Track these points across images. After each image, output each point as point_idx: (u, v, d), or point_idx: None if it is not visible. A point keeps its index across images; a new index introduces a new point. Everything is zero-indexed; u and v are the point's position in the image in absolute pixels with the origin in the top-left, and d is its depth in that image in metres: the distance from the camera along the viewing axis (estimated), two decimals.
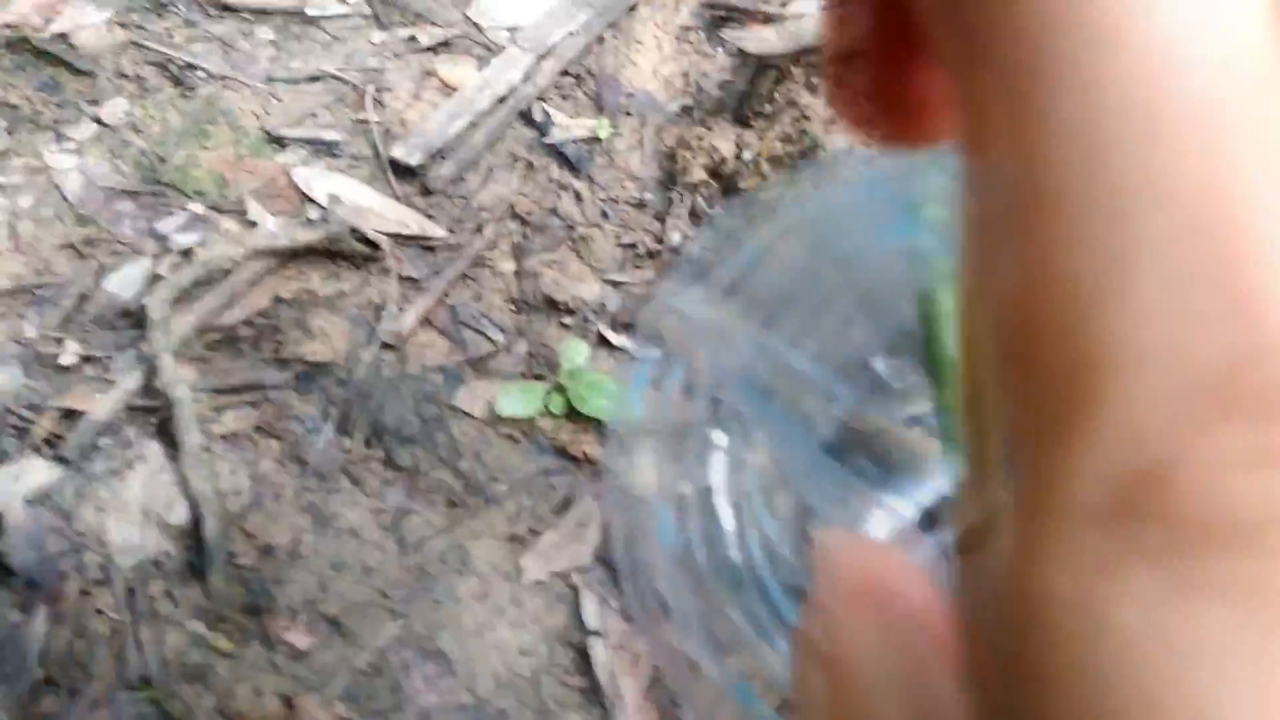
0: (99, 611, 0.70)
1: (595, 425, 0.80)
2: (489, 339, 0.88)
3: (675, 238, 0.91)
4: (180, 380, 0.77)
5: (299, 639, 0.70)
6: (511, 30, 1.13)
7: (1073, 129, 0.09)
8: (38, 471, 0.77)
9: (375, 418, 0.81)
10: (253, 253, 0.86)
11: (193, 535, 0.74)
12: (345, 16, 1.14)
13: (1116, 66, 0.09)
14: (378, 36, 1.12)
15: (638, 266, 0.91)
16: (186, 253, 0.90)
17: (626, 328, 0.86)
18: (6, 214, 0.93)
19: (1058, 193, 0.09)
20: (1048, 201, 0.10)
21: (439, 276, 0.90)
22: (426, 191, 0.97)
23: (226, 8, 1.13)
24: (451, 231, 0.94)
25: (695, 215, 0.92)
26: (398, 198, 0.96)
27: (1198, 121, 0.09)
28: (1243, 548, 0.09)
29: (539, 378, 0.84)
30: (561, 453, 0.81)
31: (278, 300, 0.88)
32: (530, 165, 1.01)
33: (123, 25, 1.10)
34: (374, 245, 0.91)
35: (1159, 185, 0.09)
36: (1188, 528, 0.09)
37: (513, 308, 0.90)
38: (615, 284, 0.89)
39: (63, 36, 1.08)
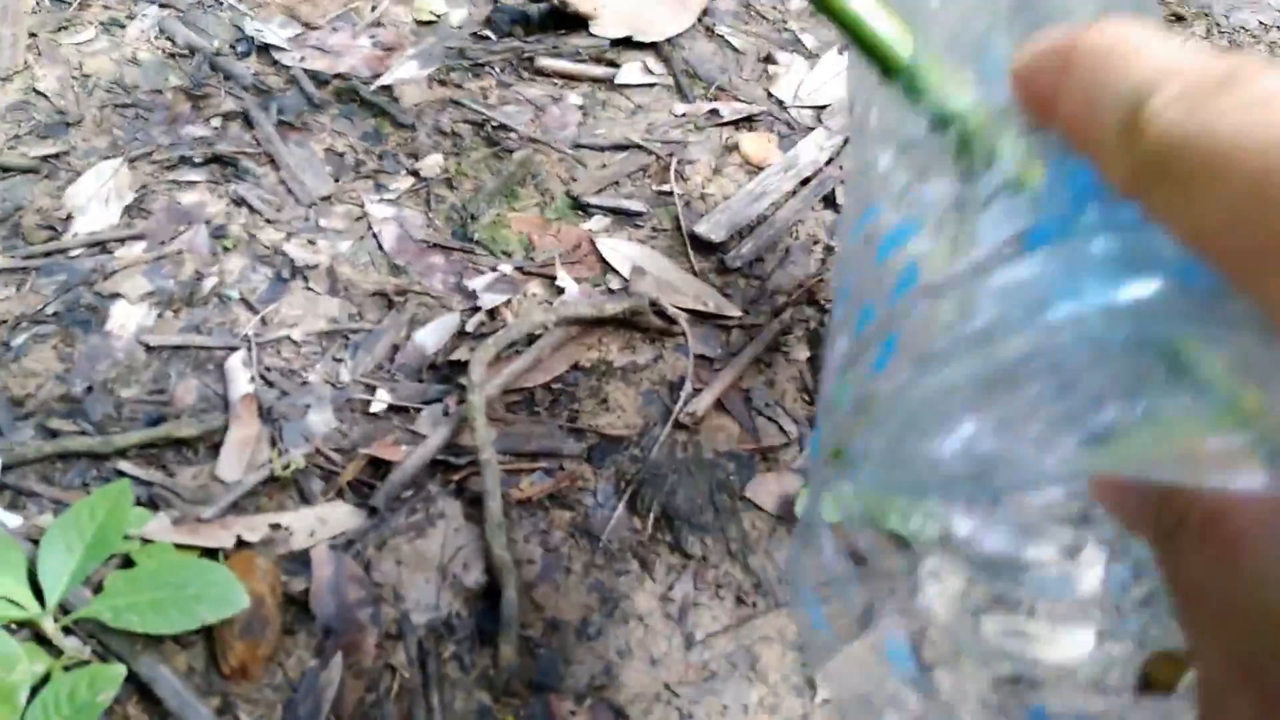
0: (390, 668, 0.71)
1: (898, 539, 0.76)
2: (781, 429, 0.85)
3: None
4: (490, 442, 0.78)
5: None
6: (817, 110, 1.11)
7: None
8: (343, 516, 0.78)
9: (667, 500, 0.79)
10: (560, 319, 0.87)
11: (485, 600, 0.74)
12: (650, 86, 1.15)
13: None
14: (680, 108, 1.13)
15: None
16: (493, 312, 0.91)
17: None
18: (328, 257, 0.97)
19: None
20: None
21: (735, 358, 0.88)
22: (724, 269, 0.96)
23: (539, 72, 1.16)
24: (746, 312, 0.92)
25: None
26: (696, 273, 0.95)
27: None
28: None
29: (838, 478, 0.81)
30: (859, 559, 0.76)
31: (576, 368, 0.88)
32: (830, 250, 0.98)
33: (442, 83, 1.14)
34: (671, 320, 0.90)
35: None
36: None
37: (805, 398, 0.87)
38: None
39: (387, 89, 1.13)
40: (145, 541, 0.75)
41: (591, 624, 0.73)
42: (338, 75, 1.15)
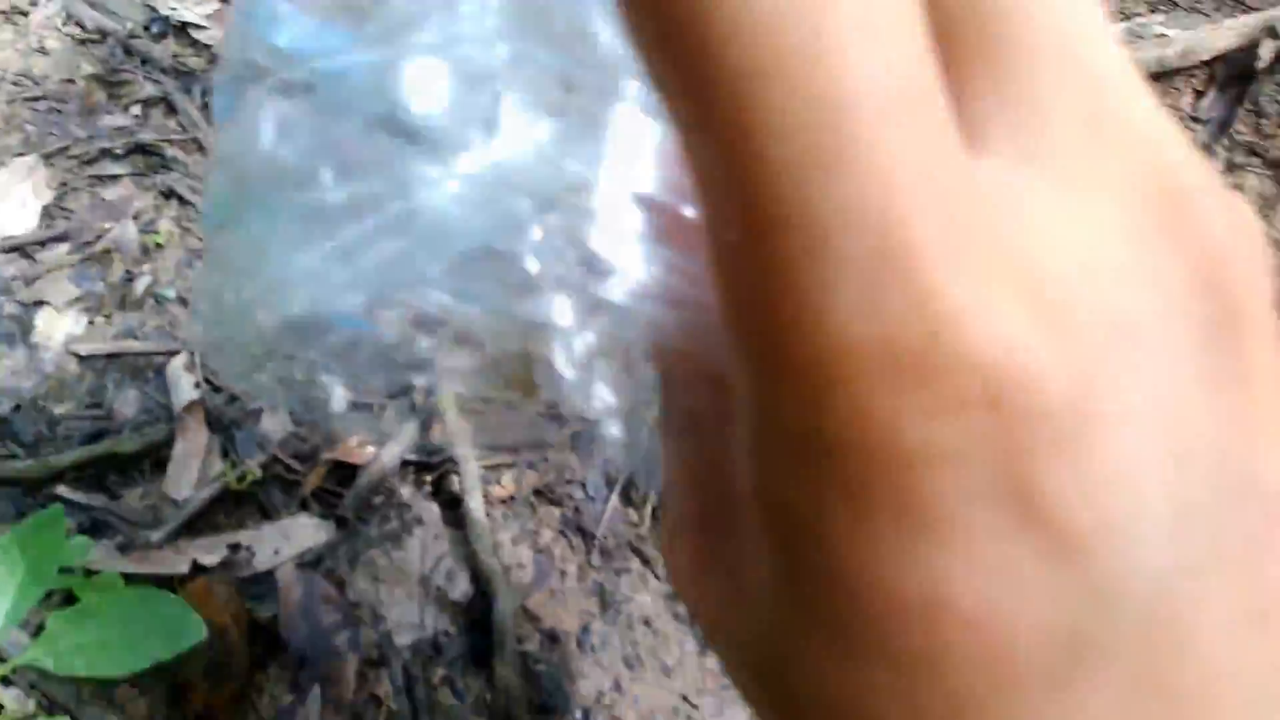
0: (375, 698, 0.64)
1: None
2: None
3: None
4: (465, 436, 0.70)
5: None
6: None
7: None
8: (308, 530, 0.71)
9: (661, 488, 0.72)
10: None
11: (474, 614, 0.67)
12: None
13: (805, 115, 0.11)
14: None
15: None
16: None
17: None
18: None
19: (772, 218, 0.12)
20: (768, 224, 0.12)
21: None
22: None
23: None
24: None
25: None
26: None
27: (870, 154, 0.12)
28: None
29: None
30: None
31: None
32: None
33: None
34: None
35: (849, 216, 0.12)
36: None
37: None
38: None
39: None
40: (90, 573, 0.67)
41: (594, 632, 0.67)
42: None
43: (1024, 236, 0.13)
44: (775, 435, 0.14)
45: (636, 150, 0.18)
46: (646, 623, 0.67)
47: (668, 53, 0.12)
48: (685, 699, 0.64)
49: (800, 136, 0.12)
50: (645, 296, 0.18)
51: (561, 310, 0.19)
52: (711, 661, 0.65)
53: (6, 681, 0.63)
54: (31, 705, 0.63)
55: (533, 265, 0.18)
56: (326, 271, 0.19)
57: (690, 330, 0.18)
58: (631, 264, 0.18)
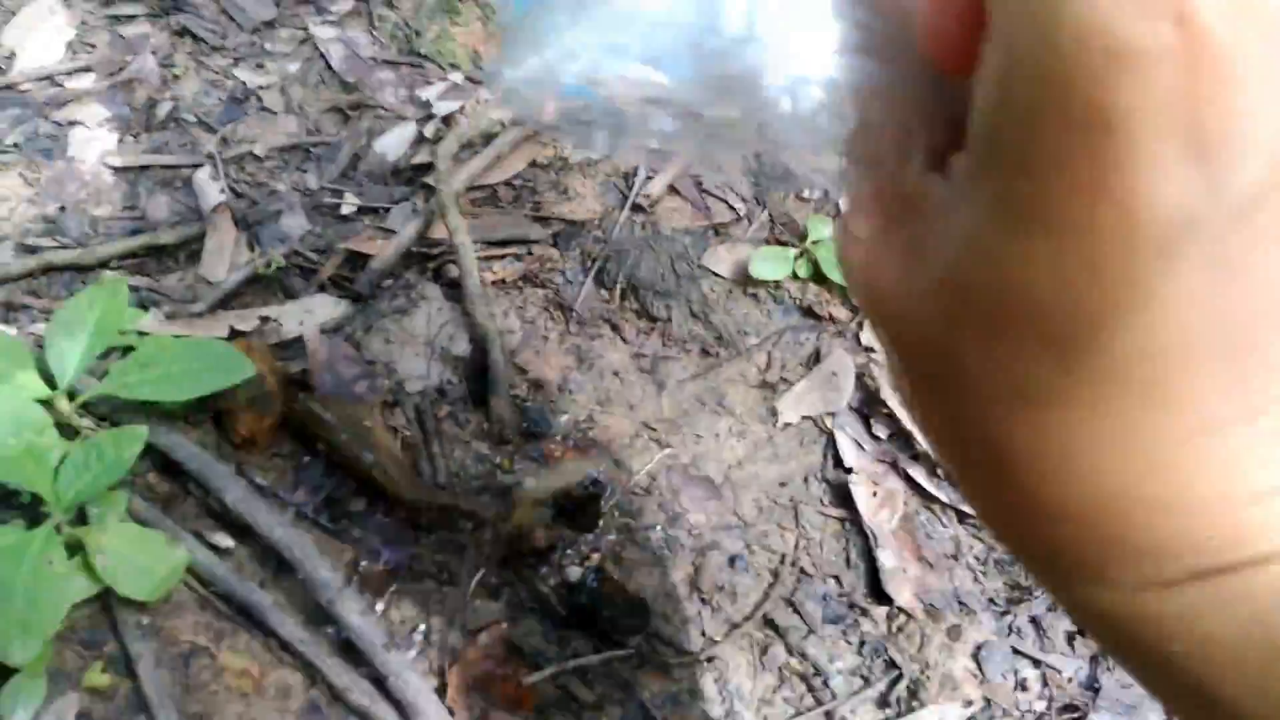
0: (392, 429, 0.77)
1: (842, 291, 0.84)
2: (730, 206, 0.92)
3: None
4: (463, 228, 0.83)
5: (573, 461, 0.76)
6: None
7: None
8: (328, 306, 0.83)
9: (631, 273, 0.85)
10: (512, 120, 0.91)
11: (472, 366, 0.80)
12: None
13: None
14: None
15: None
16: (448, 119, 0.95)
17: None
18: (278, 77, 0.99)
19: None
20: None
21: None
22: None
23: None
24: None
25: None
26: None
27: None
28: None
29: (783, 244, 0.88)
30: (808, 312, 0.84)
31: (534, 165, 0.93)
32: None
33: None
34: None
35: None
36: None
37: (752, 179, 0.94)
38: None
39: None
40: (142, 335, 0.79)
41: (572, 381, 0.80)
42: None
43: None
44: (1014, 96, 0.18)
45: None
46: (615, 374, 0.81)
47: None
48: (646, 425, 0.78)
49: None
50: (846, 50, 0.22)
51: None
52: (667, 399, 0.79)
53: (83, 411, 0.75)
54: (101, 434, 0.75)
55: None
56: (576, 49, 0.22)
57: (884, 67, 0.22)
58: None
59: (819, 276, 0.85)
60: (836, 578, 0.71)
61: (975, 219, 0.20)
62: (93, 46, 1.02)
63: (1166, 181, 0.17)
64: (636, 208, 0.90)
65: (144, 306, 0.83)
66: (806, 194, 0.92)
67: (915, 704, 0.68)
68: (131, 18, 1.05)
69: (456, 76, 0.99)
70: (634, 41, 0.22)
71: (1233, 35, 0.16)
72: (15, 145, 0.93)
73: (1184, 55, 0.16)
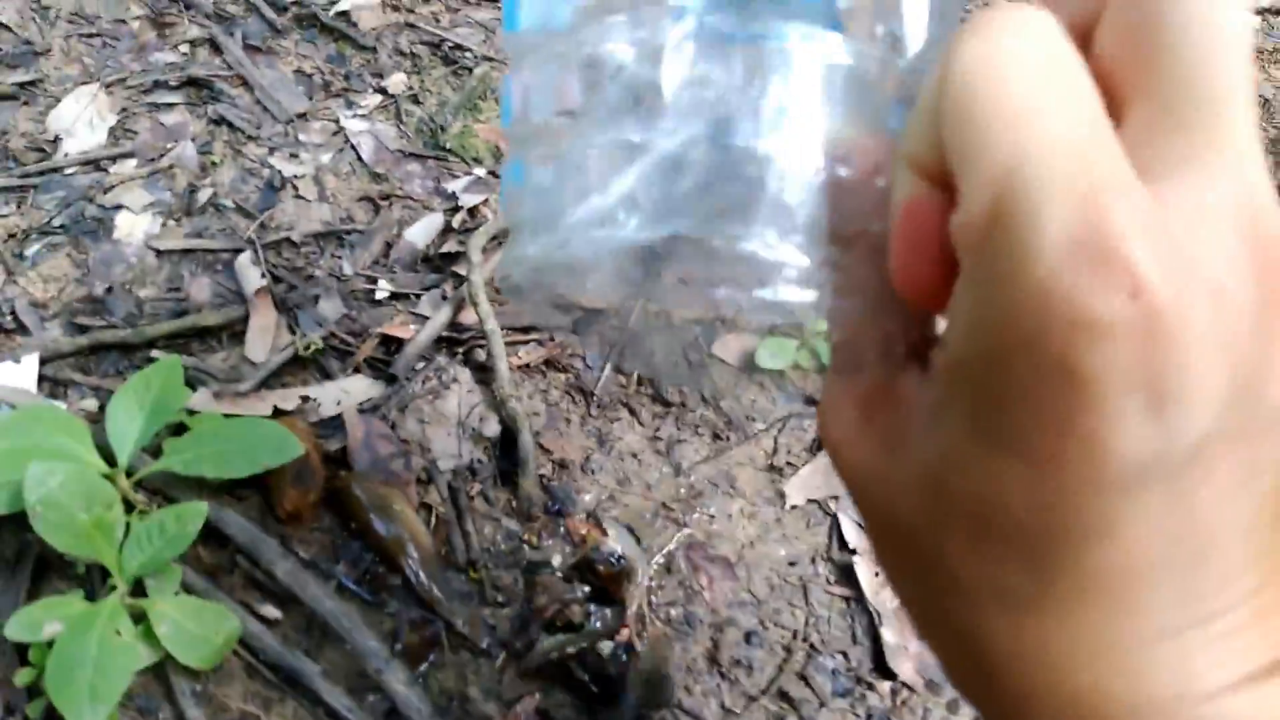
0: (426, 505, 0.83)
1: None
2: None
3: None
4: (492, 315, 0.89)
5: (597, 538, 0.82)
6: None
7: None
8: (364, 387, 0.89)
9: (646, 360, 0.92)
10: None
11: (501, 447, 0.86)
12: None
13: None
14: None
15: None
16: (474, 210, 1.02)
17: None
18: (312, 168, 1.06)
19: None
20: None
21: None
22: None
23: None
24: None
25: None
26: None
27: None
28: None
29: (787, 335, 0.95)
30: (810, 401, 0.91)
31: None
32: None
33: (395, 8, 1.23)
34: None
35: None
36: None
37: None
38: None
39: (344, 15, 1.21)
40: (192, 413, 0.85)
41: (593, 462, 0.86)
42: (295, 2, 1.22)
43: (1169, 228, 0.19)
44: (986, 322, 0.19)
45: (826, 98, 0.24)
46: (634, 455, 0.87)
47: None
48: (664, 505, 0.84)
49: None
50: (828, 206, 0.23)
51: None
52: (682, 480, 0.86)
53: (136, 486, 0.80)
54: (155, 508, 0.80)
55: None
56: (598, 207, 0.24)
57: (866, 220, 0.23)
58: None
59: (820, 366, 0.92)
60: (844, 653, 0.77)
61: (951, 430, 0.21)
62: (134, 133, 1.08)
63: (1128, 433, 0.19)
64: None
65: (191, 385, 0.88)
66: None
67: None
68: (171, 106, 1.11)
69: (480, 170, 1.06)
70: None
71: (1181, 304, 0.18)
72: (63, 227, 0.99)
73: (1140, 324, 0.18)
